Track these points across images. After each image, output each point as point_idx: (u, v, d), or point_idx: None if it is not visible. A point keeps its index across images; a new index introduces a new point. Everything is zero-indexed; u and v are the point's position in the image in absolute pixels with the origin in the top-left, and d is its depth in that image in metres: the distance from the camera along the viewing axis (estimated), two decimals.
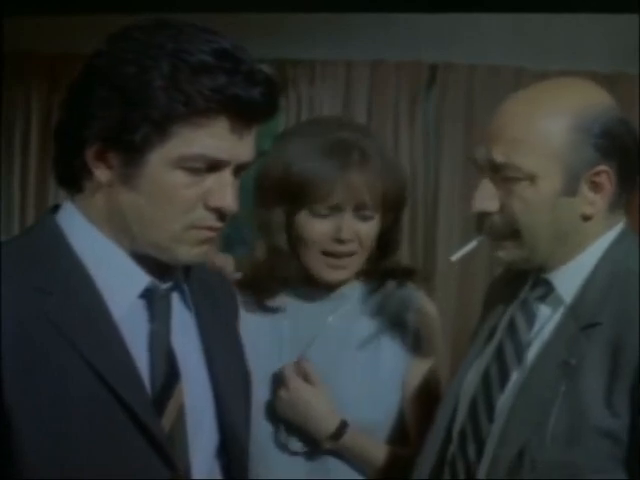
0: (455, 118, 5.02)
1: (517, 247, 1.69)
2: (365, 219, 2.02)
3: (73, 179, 1.45)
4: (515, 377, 1.70)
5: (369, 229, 2.03)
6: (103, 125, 1.37)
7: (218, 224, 1.44)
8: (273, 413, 2.04)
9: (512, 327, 1.75)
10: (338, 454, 2.03)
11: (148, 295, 1.47)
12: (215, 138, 1.38)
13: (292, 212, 2.03)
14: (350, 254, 2.03)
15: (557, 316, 1.69)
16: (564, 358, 1.60)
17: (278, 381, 2.03)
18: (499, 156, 1.64)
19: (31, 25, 4.77)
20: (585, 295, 1.66)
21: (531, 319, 1.73)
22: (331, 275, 2.04)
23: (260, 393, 1.99)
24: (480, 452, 1.69)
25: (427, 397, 2.07)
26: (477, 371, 1.78)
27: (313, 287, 2.09)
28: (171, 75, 1.34)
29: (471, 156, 1.71)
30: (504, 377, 1.71)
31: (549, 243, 1.66)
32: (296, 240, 2.04)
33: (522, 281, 1.79)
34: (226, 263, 2.10)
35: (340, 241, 2.01)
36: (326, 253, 2.02)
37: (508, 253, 1.71)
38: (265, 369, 2.04)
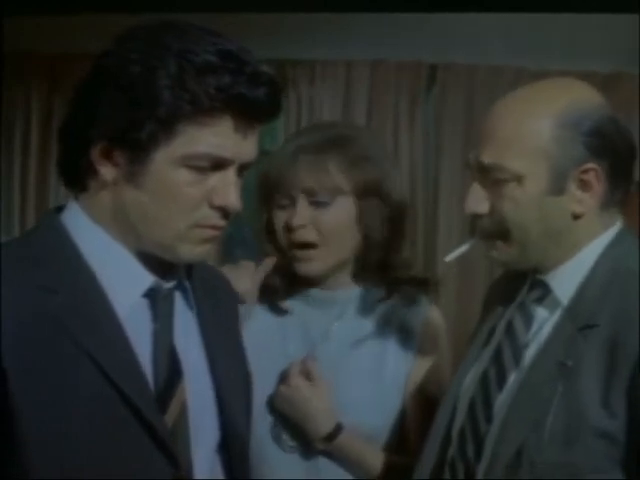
0: (455, 118, 5.02)
1: (509, 247, 1.69)
2: (320, 205, 2.01)
3: (78, 178, 1.46)
4: (513, 378, 1.70)
5: (330, 216, 2.02)
6: (109, 124, 1.38)
7: (222, 222, 1.46)
8: (273, 409, 2.05)
9: (510, 329, 1.76)
10: (332, 456, 2.04)
11: (151, 294, 1.48)
12: (220, 137, 1.40)
13: (268, 211, 2.06)
14: (307, 244, 2.03)
15: (555, 317, 1.69)
16: (561, 359, 1.61)
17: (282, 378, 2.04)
18: (487, 158, 1.65)
19: (31, 25, 4.77)
20: (583, 296, 1.66)
21: (529, 321, 1.73)
22: (301, 268, 2.04)
23: (264, 391, 2.01)
24: (479, 452, 1.69)
25: (429, 404, 2.05)
26: (476, 372, 1.78)
27: (316, 289, 2.10)
28: (177, 74, 1.36)
29: (466, 160, 1.72)
30: (502, 378, 1.72)
31: (540, 243, 1.67)
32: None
33: (520, 283, 1.80)
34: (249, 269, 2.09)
35: (292, 229, 2.01)
36: (289, 247, 2.03)
37: (500, 253, 1.72)
38: (271, 369, 2.05)
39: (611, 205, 1.68)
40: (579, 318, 1.63)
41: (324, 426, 2.00)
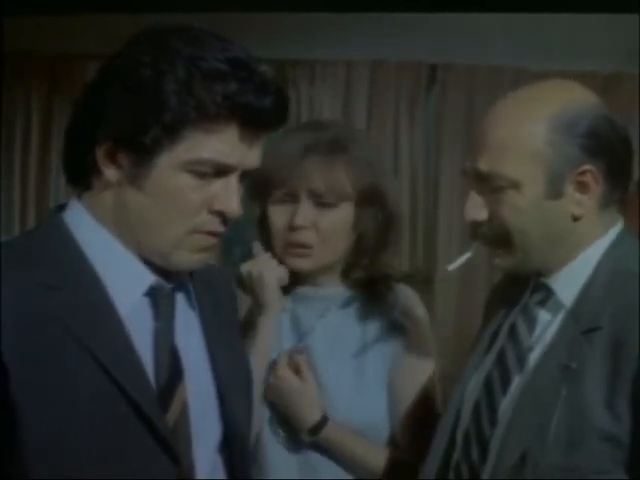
0: (455, 118, 5.02)
1: (510, 254, 1.69)
2: (324, 207, 2.02)
3: (82, 177, 1.47)
4: (517, 381, 1.70)
5: (331, 219, 2.03)
6: (115, 125, 1.39)
7: (220, 228, 1.46)
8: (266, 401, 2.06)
9: (513, 332, 1.75)
10: (322, 449, 2.04)
11: (153, 294, 1.48)
12: (224, 144, 1.40)
13: (262, 205, 2.06)
14: (307, 244, 2.04)
15: (558, 320, 1.69)
16: (565, 362, 1.60)
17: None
18: (483, 165, 1.65)
19: (31, 25, 4.77)
20: (585, 298, 1.65)
21: (532, 324, 1.73)
22: (295, 263, 2.05)
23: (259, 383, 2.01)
24: (484, 455, 1.69)
25: (416, 399, 2.08)
26: (480, 376, 1.78)
27: (302, 287, 2.11)
28: (185, 80, 1.36)
29: (462, 167, 1.71)
30: (506, 381, 1.72)
31: (542, 247, 1.67)
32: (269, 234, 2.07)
33: (523, 286, 1.79)
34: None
35: (293, 228, 2.02)
36: (286, 244, 2.04)
37: (503, 260, 1.72)
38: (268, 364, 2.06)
39: (610, 205, 1.68)
40: (582, 321, 1.63)
41: (309, 417, 2.01)
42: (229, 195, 1.44)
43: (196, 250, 1.46)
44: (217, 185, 1.43)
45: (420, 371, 2.11)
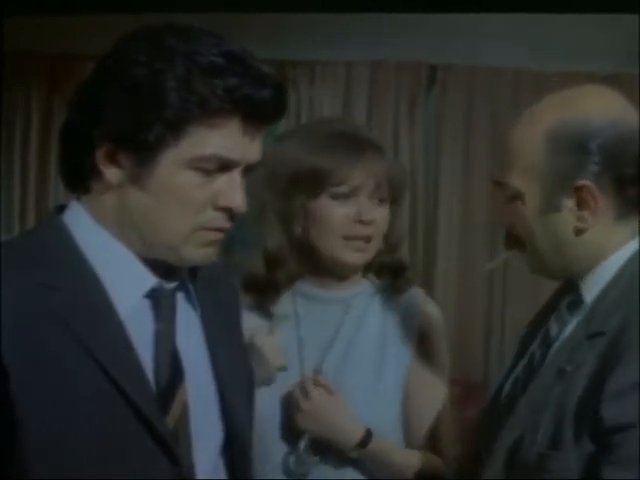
0: (455, 118, 5.03)
1: (529, 257, 1.71)
2: (380, 203, 2.06)
3: (80, 180, 1.46)
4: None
5: (384, 214, 2.07)
6: (115, 125, 1.38)
7: (227, 224, 1.45)
8: (287, 425, 2.04)
9: (545, 336, 1.76)
10: (361, 464, 2.03)
11: (154, 295, 1.47)
12: (228, 139, 1.40)
13: (309, 200, 2.04)
14: (369, 238, 2.06)
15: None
16: (563, 365, 1.61)
17: (294, 394, 2.03)
18: (497, 175, 1.68)
19: (31, 25, 4.77)
20: (599, 304, 1.64)
21: (562, 326, 1.72)
22: (353, 258, 2.06)
23: (273, 402, 2.02)
24: None
25: (428, 399, 2.08)
26: (512, 379, 1.79)
27: (320, 289, 2.11)
28: (184, 76, 1.36)
29: (490, 177, 1.74)
30: (527, 381, 1.72)
31: (552, 256, 1.67)
32: (313, 228, 2.06)
33: (562, 292, 1.80)
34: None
35: (362, 222, 2.03)
36: (347, 237, 2.04)
37: (526, 262, 1.73)
38: (288, 376, 2.05)
39: (630, 216, 1.65)
40: (590, 326, 1.62)
41: (355, 432, 2.00)
42: (233, 191, 1.43)
43: (202, 245, 1.45)
44: (221, 181, 1.42)
45: (436, 374, 2.12)
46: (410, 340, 2.11)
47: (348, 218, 2.03)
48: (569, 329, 1.70)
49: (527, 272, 1.79)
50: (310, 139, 2.05)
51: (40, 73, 5.15)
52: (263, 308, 2.10)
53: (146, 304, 1.47)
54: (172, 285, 1.50)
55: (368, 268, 2.14)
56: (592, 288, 1.67)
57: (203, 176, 1.40)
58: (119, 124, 1.37)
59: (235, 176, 1.43)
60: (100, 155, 1.40)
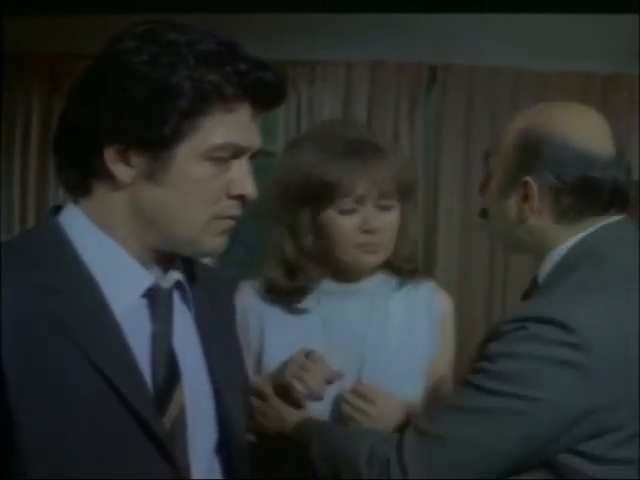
0: (455, 118, 5.02)
1: (489, 227, 1.92)
2: (387, 209, 2.10)
3: (82, 181, 1.45)
4: None
5: (393, 218, 2.12)
6: (125, 124, 1.37)
7: (239, 211, 1.47)
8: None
9: None
10: None
11: (150, 295, 1.47)
12: (240, 125, 1.41)
13: (317, 212, 2.09)
14: (378, 244, 2.11)
15: None
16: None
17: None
18: (486, 155, 1.93)
19: (31, 25, 4.77)
20: (542, 290, 1.79)
21: None
22: (369, 260, 2.12)
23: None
24: None
25: (444, 383, 2.19)
26: None
27: (341, 284, 2.17)
28: (196, 65, 1.36)
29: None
30: None
31: (503, 232, 1.86)
32: (323, 239, 2.11)
33: None
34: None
35: (369, 232, 2.08)
36: (356, 245, 2.09)
37: (488, 231, 1.95)
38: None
39: (571, 221, 1.75)
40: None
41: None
42: (245, 178, 1.44)
43: (217, 234, 1.46)
44: (233, 169, 1.43)
45: (447, 359, 2.24)
46: (434, 327, 2.20)
47: (355, 228, 2.08)
48: None
49: (527, 272, 1.89)
50: (315, 150, 2.08)
51: (40, 73, 5.14)
52: (289, 306, 2.16)
53: (143, 304, 1.47)
54: (169, 284, 1.50)
55: (385, 265, 2.19)
56: (541, 275, 1.80)
57: (218, 165, 1.41)
58: (130, 122, 1.36)
59: (244, 163, 1.44)
60: (109, 155, 1.39)
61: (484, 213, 1.90)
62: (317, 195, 2.06)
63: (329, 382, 2.05)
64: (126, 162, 1.39)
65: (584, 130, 1.75)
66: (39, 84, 5.18)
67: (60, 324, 1.36)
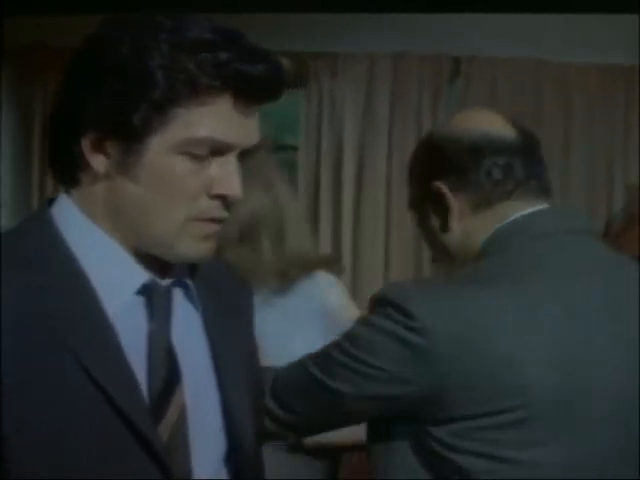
0: None
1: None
2: None
3: (69, 171, 1.38)
4: None
5: None
6: (99, 111, 1.30)
7: (223, 214, 1.37)
8: None
9: None
10: None
11: (147, 292, 1.39)
12: (219, 120, 1.31)
13: None
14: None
15: None
16: None
17: None
18: None
19: (31, 25, 4.76)
20: None
21: None
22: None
23: None
24: None
25: None
26: None
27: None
28: (170, 53, 1.28)
29: None
30: None
31: (439, 250, 1.85)
32: None
33: None
34: None
35: None
36: None
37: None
38: None
39: (487, 206, 1.75)
40: None
41: None
42: (229, 177, 1.33)
43: (199, 239, 1.36)
44: (215, 167, 1.33)
45: None
46: (317, 325, 2.19)
47: None
48: None
49: None
50: None
51: (41, 72, 5.11)
52: None
53: (139, 302, 1.39)
54: (168, 281, 1.42)
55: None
56: None
57: (195, 162, 1.31)
58: (104, 109, 1.29)
59: (230, 161, 1.34)
60: (86, 143, 1.32)
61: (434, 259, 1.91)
62: None
63: None
64: (102, 152, 1.32)
65: (476, 123, 1.76)
66: (40, 84, 5.14)
67: (47, 323, 1.29)
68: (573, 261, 1.67)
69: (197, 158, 1.32)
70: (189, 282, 1.46)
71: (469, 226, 1.76)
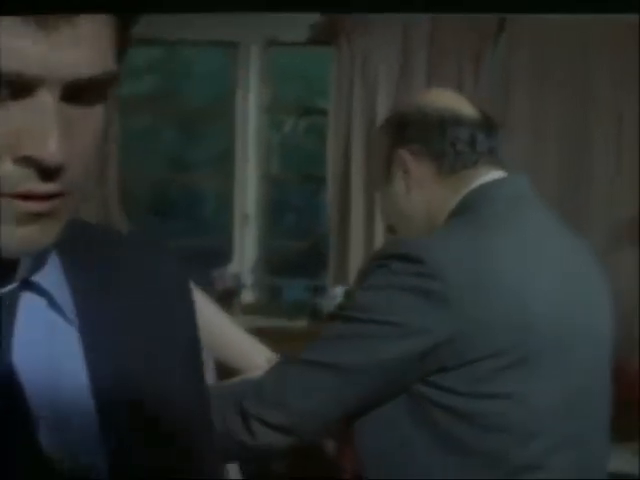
0: (524, 75, 4.64)
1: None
2: None
3: None
4: None
5: None
6: None
7: (42, 187, 0.85)
8: None
9: None
10: None
11: None
12: (11, 38, 0.82)
13: None
14: None
15: None
16: None
17: None
18: None
19: None
20: None
21: None
22: None
23: None
24: None
25: None
26: None
27: None
28: None
29: None
30: None
31: (402, 220, 1.94)
32: None
33: None
34: None
35: None
36: None
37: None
38: None
39: (451, 181, 1.86)
40: None
41: None
42: (41, 129, 0.83)
43: (19, 222, 0.86)
44: (19, 115, 0.84)
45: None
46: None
47: None
48: None
49: None
50: None
51: None
52: None
53: None
54: (10, 286, 0.94)
55: None
56: None
57: None
58: None
59: (42, 103, 0.83)
60: None
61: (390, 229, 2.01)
62: None
63: None
64: None
65: (441, 98, 1.91)
66: None
67: None
68: (543, 218, 1.82)
69: None
70: (45, 285, 0.98)
71: (432, 192, 1.86)
